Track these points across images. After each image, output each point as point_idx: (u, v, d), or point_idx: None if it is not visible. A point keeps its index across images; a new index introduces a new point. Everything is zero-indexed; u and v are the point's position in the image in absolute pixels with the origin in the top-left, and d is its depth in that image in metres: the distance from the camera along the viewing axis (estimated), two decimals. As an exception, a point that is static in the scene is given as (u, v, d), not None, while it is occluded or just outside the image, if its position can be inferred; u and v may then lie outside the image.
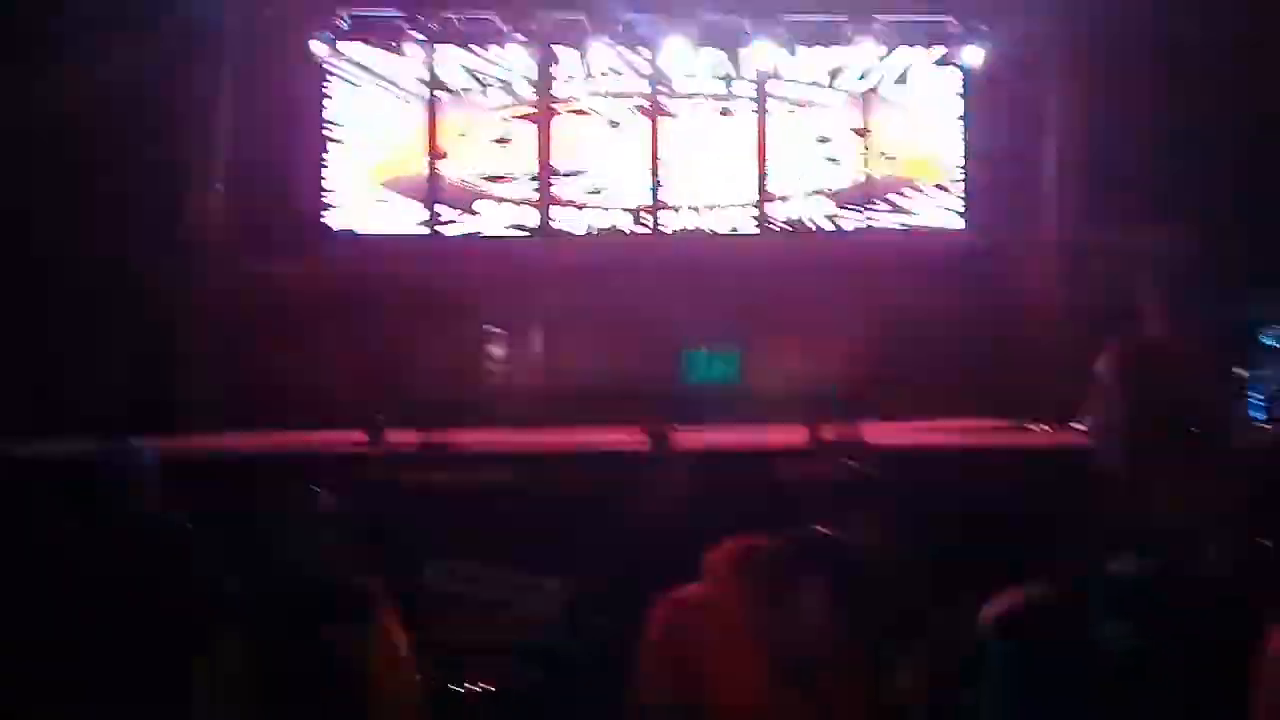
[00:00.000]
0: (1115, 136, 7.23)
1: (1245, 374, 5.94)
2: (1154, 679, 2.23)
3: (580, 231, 8.50)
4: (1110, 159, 7.26)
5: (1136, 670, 2.20)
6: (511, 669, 4.18)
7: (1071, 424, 6.52)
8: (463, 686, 3.90)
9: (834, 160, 8.51)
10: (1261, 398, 6.48)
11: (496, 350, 7.66)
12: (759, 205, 8.47)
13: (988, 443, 6.17)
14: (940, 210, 8.41)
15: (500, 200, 8.51)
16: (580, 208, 8.52)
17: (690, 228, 8.52)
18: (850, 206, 8.47)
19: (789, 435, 6.12)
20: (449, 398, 6.59)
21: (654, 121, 8.45)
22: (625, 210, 8.52)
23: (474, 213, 8.50)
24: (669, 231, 8.48)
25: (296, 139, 8.18)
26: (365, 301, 7.56)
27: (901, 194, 8.46)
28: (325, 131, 8.30)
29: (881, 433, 6.35)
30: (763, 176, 8.44)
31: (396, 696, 2.76)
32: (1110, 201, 7.27)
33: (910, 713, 2.38)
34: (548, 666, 4.15)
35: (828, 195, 8.49)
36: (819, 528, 2.30)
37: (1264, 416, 6.17)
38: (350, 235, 8.38)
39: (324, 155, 8.31)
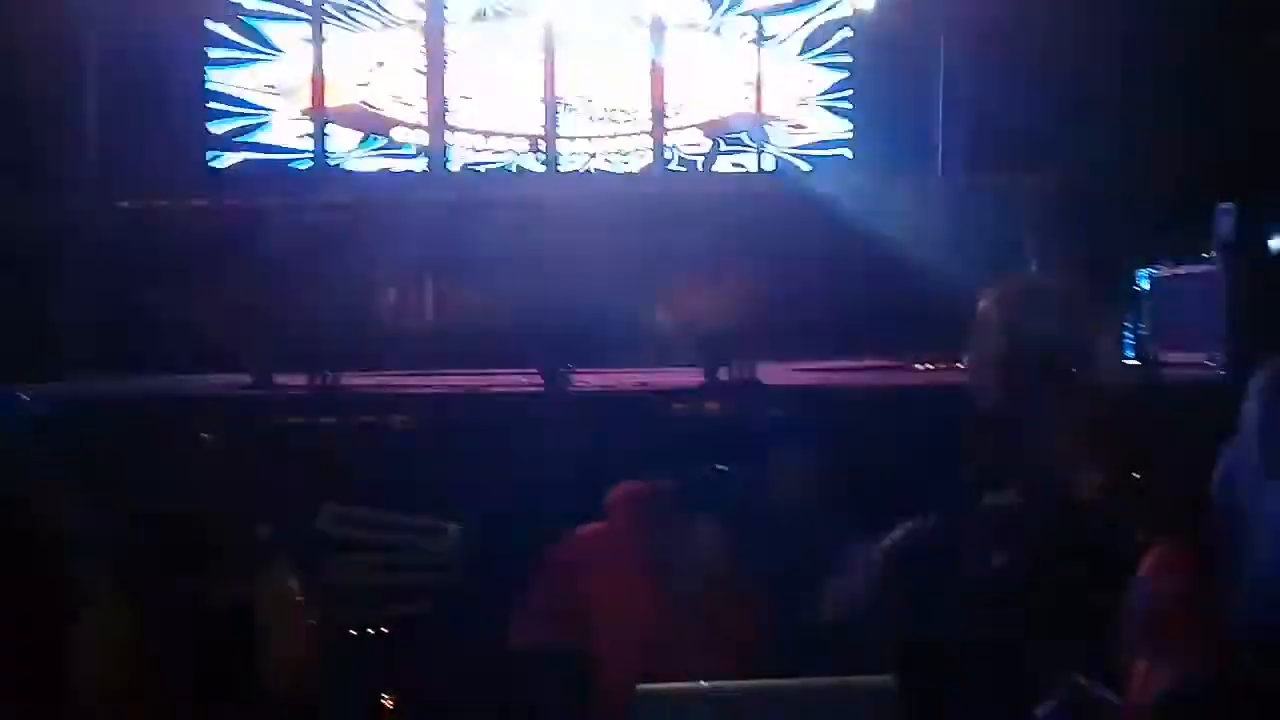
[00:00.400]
0: (1000, 80, 7.38)
1: (1119, 314, 6.18)
2: (1033, 605, 2.34)
3: (475, 168, 8.36)
4: (995, 102, 7.42)
5: (1016, 597, 2.30)
6: (410, 612, 4.18)
7: (956, 362, 6.71)
8: (359, 631, 3.88)
9: (728, 100, 8.52)
10: (1133, 337, 6.77)
11: (390, 290, 7.53)
12: (653, 145, 8.44)
13: (876, 382, 6.31)
14: (831, 152, 8.50)
15: (393, 136, 8.32)
16: (476, 145, 8.38)
17: (585, 167, 8.46)
18: (743, 148, 8.50)
19: (685, 376, 6.17)
20: (340, 339, 6.45)
21: (550, 55, 8.33)
22: (521, 147, 8.40)
23: (368, 147, 8.29)
24: (564, 170, 8.41)
25: (175, 69, 7.84)
26: (250, 240, 7.33)
27: (794, 135, 8.52)
28: (206, 61, 7.98)
29: (775, 373, 6.45)
30: (658, 115, 8.41)
31: (287, 643, 2.73)
32: (993, 144, 7.44)
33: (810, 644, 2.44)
34: (447, 608, 4.16)
35: (723, 136, 8.51)
36: (712, 465, 2.34)
37: (1135, 355, 6.44)
38: (233, 170, 8.10)
39: (205, 86, 7.99)
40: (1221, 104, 7.10)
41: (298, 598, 2.83)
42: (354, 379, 5.92)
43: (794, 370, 6.87)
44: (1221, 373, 5.66)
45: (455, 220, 7.65)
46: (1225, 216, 6.33)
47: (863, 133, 8.31)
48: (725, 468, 2.35)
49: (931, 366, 7.11)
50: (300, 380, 5.78)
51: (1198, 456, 3.38)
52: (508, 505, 4.51)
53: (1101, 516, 2.35)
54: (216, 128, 8.13)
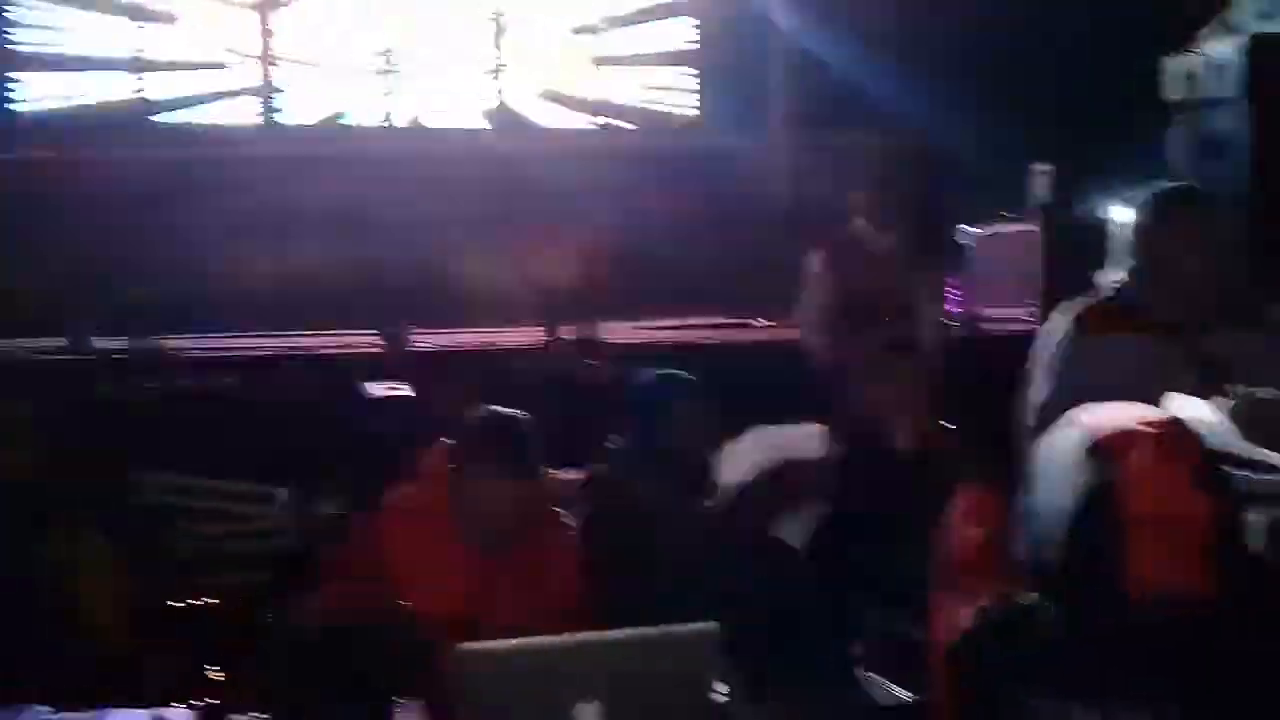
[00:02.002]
0: (837, 40, 7.52)
1: (943, 270, 6.42)
2: (852, 549, 2.44)
3: (311, 121, 8.04)
4: (832, 59, 7.57)
5: (836, 543, 2.40)
6: (239, 579, 4.06)
7: (790, 318, 6.89)
8: (183, 601, 3.75)
9: (570, 56, 8.43)
10: (955, 294, 7.06)
11: (221, 247, 7.22)
12: (495, 100, 8.30)
13: (713, 338, 6.41)
14: (672, 109, 8.52)
15: (225, 85, 7.93)
16: (311, 96, 8.06)
17: (424, 122, 8.25)
18: (584, 106, 8.45)
19: (526, 335, 6.15)
20: (166, 300, 6.16)
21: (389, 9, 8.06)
22: (357, 100, 8.13)
23: (192, 96, 7.89)
24: (403, 124, 8.18)
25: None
26: (67, 194, 6.89)
27: (636, 92, 8.51)
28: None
29: (616, 331, 6.48)
30: (498, 70, 8.27)
31: (104, 613, 2.63)
32: (829, 103, 7.59)
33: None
34: (278, 574, 4.06)
35: (564, 92, 8.43)
36: (498, 408, 2.36)
37: (955, 312, 6.73)
38: (45, 119, 7.59)
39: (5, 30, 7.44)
40: (1040, 71, 7.43)
41: (113, 568, 2.72)
42: (179, 341, 5.67)
43: (636, 328, 6.92)
44: (1037, 326, 5.96)
45: (288, 176, 7.37)
46: (1041, 177, 6.66)
47: (705, 92, 8.36)
48: (508, 409, 2.34)
49: (772, 323, 7.27)
50: (121, 344, 5.50)
51: (1012, 406, 3.57)
52: (344, 469, 4.43)
53: (917, 464, 2.47)
54: (21, 75, 7.59)
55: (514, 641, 1.60)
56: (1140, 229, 2.64)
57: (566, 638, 1.60)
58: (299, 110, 8.01)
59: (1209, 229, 2.58)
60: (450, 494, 2.26)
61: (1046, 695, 1.33)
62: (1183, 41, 5.96)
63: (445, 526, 2.27)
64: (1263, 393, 1.97)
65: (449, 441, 2.36)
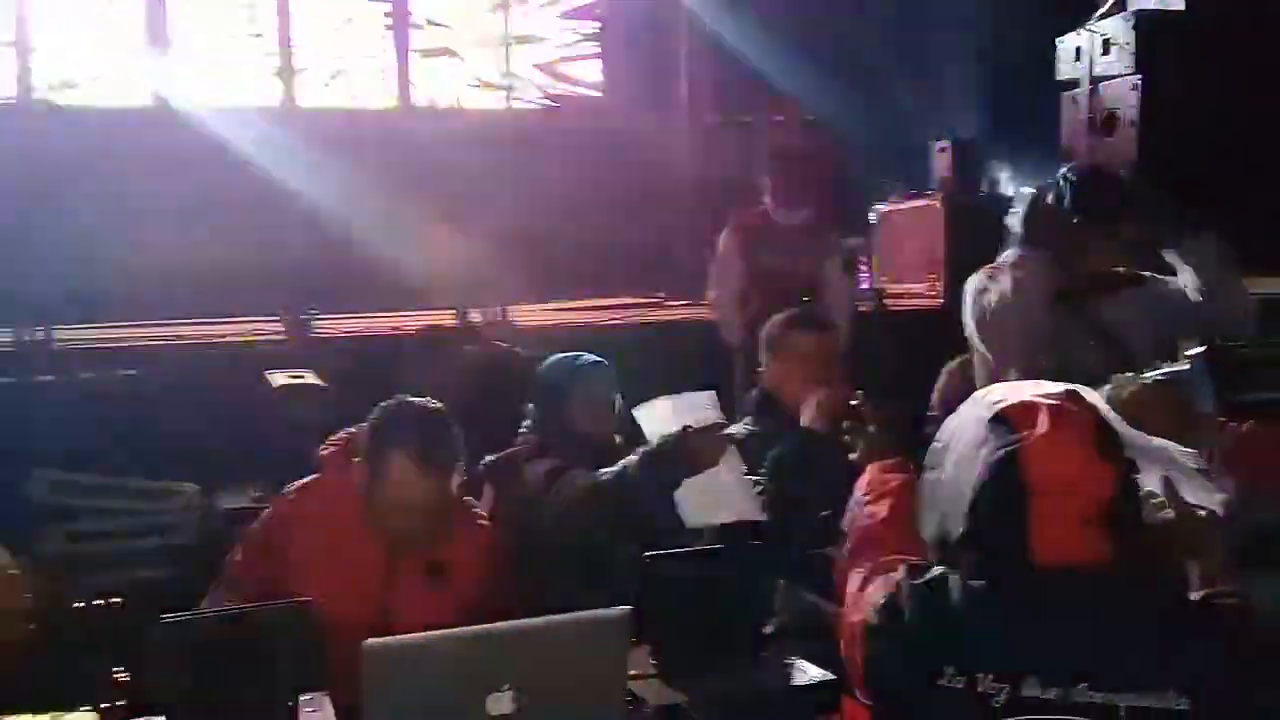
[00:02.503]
0: (741, 19, 7.55)
1: (853, 247, 6.51)
2: (765, 525, 2.46)
3: (205, 104, 7.79)
4: (738, 40, 7.59)
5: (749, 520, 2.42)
6: (144, 578, 3.95)
7: (703, 298, 6.91)
8: (86, 602, 3.63)
9: (476, 36, 8.32)
10: (866, 269, 7.16)
11: (113, 234, 6.97)
12: (400, 80, 8.14)
13: (628, 319, 6.40)
14: (578, 89, 8.47)
15: (115, 67, 7.63)
16: (204, 78, 7.81)
17: (326, 102, 8.06)
18: (490, 86, 8.35)
19: (436, 319, 6.05)
20: (55, 289, 5.92)
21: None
22: (253, 82, 7.91)
23: (79, 79, 7.59)
24: (304, 106, 7.98)
25: None
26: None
27: (543, 73, 8.44)
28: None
29: (528, 314, 6.43)
30: (403, 51, 8.11)
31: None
32: (735, 82, 7.62)
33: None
34: (182, 571, 3.95)
35: (470, 72, 8.32)
36: (406, 396, 2.30)
37: (867, 287, 6.82)
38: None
39: None
40: (943, 49, 7.56)
41: (11, 571, 2.62)
42: (71, 332, 5.45)
43: (547, 310, 6.88)
44: (940, 300, 6.08)
45: (185, 160, 7.14)
46: (941, 154, 6.77)
47: (610, 72, 8.33)
48: (417, 396, 2.29)
49: (682, 302, 7.28)
50: (6, 335, 5.27)
51: (920, 379, 3.63)
52: (250, 459, 4.31)
53: (828, 440, 2.49)
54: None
55: (422, 635, 1.57)
56: (1035, 208, 2.76)
57: (477, 629, 1.57)
58: (192, 93, 7.76)
59: (1097, 208, 2.68)
60: (366, 487, 2.17)
61: (957, 666, 1.35)
62: (1077, 20, 6.11)
63: (356, 520, 2.19)
64: (1135, 380, 2.06)
65: (356, 431, 2.29)
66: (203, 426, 4.55)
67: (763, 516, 2.39)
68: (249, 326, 5.74)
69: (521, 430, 2.78)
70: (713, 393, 2.42)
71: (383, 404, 2.26)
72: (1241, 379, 2.02)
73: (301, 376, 4.49)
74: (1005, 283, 2.70)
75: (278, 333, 5.48)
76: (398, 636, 1.53)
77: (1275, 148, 5.87)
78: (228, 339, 5.52)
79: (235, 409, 4.55)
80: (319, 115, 7.92)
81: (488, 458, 2.74)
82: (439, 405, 2.27)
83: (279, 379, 4.47)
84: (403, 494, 2.15)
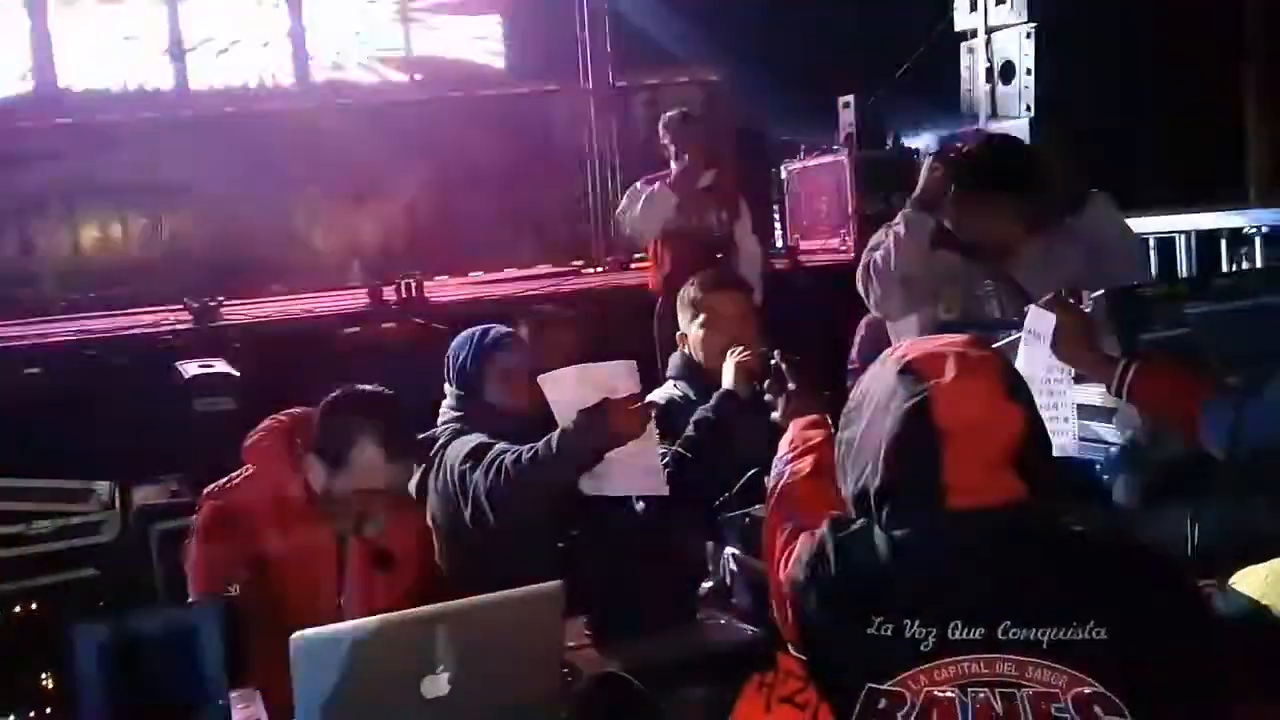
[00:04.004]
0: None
1: (761, 206, 6.54)
2: (691, 490, 2.48)
3: (99, 88, 7.49)
4: (638, 4, 7.55)
5: (674, 484, 2.44)
6: (64, 581, 3.85)
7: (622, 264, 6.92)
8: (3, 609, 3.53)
9: (375, 11, 8.15)
10: (777, 227, 7.22)
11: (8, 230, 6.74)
12: (300, 59, 7.93)
13: (545, 289, 6.37)
14: (480, 59, 8.35)
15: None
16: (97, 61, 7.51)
17: (225, 84, 7.81)
18: (391, 61, 8.18)
19: (349, 299, 5.97)
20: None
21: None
22: (147, 64, 7.61)
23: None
24: (201, 90, 7.71)
25: None
26: None
27: (444, 44, 8.29)
28: None
29: (443, 288, 6.37)
30: (301, 33, 7.90)
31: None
32: (639, 46, 7.58)
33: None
34: (106, 572, 3.86)
35: (371, 47, 8.14)
36: (362, 385, 2.26)
37: (782, 246, 6.89)
38: None
39: None
40: (841, 4, 7.60)
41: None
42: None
43: (462, 284, 6.82)
44: (852, 255, 6.15)
45: (80, 146, 6.89)
46: (846, 110, 6.83)
47: (512, 41, 8.22)
48: (374, 385, 2.25)
49: (600, 269, 7.27)
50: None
51: (837, 334, 3.67)
52: (166, 453, 4.21)
53: (748, 401, 2.51)
54: None
55: (350, 623, 1.55)
56: (932, 173, 2.89)
57: (406, 613, 1.55)
58: (86, 77, 7.47)
59: (1001, 162, 2.80)
60: (322, 477, 2.12)
61: (884, 614, 1.38)
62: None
63: (301, 512, 2.14)
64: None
65: (288, 420, 2.23)
66: (113, 422, 4.43)
67: (664, 491, 2.39)
68: (156, 317, 5.59)
69: (442, 410, 2.75)
70: (632, 362, 2.41)
71: (336, 393, 2.21)
72: (1142, 320, 2.11)
73: (212, 365, 4.39)
74: (888, 239, 2.90)
75: (184, 322, 5.35)
76: (325, 626, 1.50)
77: (1167, 91, 6.05)
78: (135, 330, 5.37)
79: (146, 402, 4.44)
80: (213, 94, 7.69)
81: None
82: (392, 392, 2.23)
83: (190, 369, 4.36)
84: (368, 482, 2.11)
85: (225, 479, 2.25)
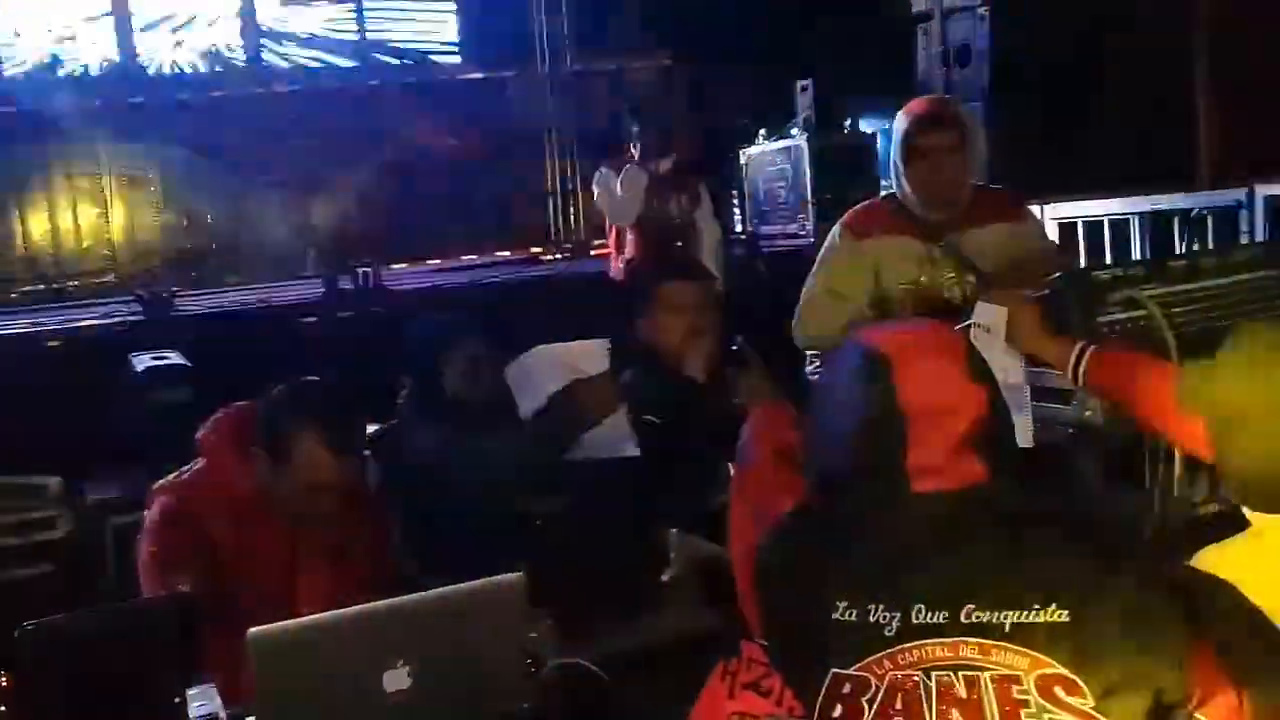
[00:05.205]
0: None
1: (719, 191, 6.53)
2: (653, 475, 2.48)
3: (32, 68, 7.31)
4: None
5: (637, 471, 2.43)
6: (17, 578, 3.78)
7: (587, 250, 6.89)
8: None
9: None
10: (736, 212, 7.22)
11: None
12: (251, 41, 7.80)
13: (504, 276, 6.35)
14: (433, 43, 8.26)
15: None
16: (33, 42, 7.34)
17: (171, 67, 7.67)
18: (343, 45, 8.08)
19: (305, 288, 5.90)
20: None
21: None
22: (83, 47, 7.44)
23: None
24: (148, 65, 7.54)
25: None
26: None
27: (396, 27, 8.20)
28: None
29: (400, 276, 6.31)
30: (253, 9, 7.77)
31: None
32: (594, 31, 7.54)
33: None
34: (60, 568, 3.80)
35: (322, 30, 8.03)
36: (308, 377, 2.22)
37: (739, 230, 6.88)
38: None
39: None
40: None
41: None
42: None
43: (420, 272, 6.77)
44: (811, 240, 6.16)
45: (28, 133, 6.75)
46: (804, 94, 6.83)
47: (465, 24, 8.14)
48: (318, 377, 2.21)
49: (557, 256, 7.24)
50: None
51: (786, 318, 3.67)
52: (117, 447, 4.14)
53: (710, 388, 2.50)
54: None
55: (310, 617, 1.53)
56: (897, 143, 2.88)
57: (364, 607, 1.53)
58: (21, 57, 7.29)
59: (956, 140, 2.81)
60: (268, 471, 2.08)
61: (849, 599, 1.37)
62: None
63: (254, 505, 2.10)
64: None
65: (239, 411, 2.19)
66: (65, 417, 4.36)
67: (636, 452, 2.39)
68: (106, 309, 5.51)
69: (399, 400, 2.72)
70: (603, 341, 2.39)
71: (282, 385, 2.17)
72: (1096, 302, 2.13)
73: (166, 357, 4.32)
74: (836, 226, 2.99)
75: (135, 314, 5.27)
76: (284, 622, 1.48)
77: (1121, 72, 6.10)
78: (85, 323, 5.28)
79: (98, 396, 4.36)
80: (164, 77, 7.54)
81: (370, 430, 2.68)
82: (334, 384, 2.19)
83: (143, 361, 4.29)
84: (312, 477, 2.07)
85: (175, 473, 2.20)
